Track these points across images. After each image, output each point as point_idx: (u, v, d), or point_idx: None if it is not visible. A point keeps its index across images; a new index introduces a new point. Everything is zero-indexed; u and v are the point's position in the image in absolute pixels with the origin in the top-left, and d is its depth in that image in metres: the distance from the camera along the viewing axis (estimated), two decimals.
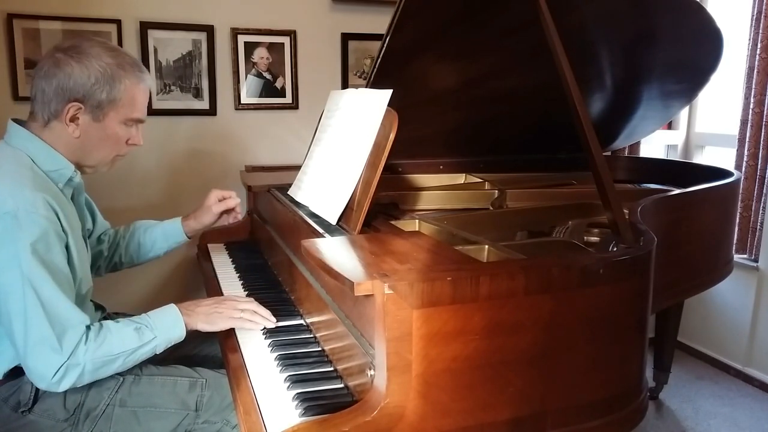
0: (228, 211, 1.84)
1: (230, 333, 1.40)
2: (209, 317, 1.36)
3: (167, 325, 1.30)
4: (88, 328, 1.21)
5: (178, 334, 1.31)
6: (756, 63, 2.58)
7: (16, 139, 1.31)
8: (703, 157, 3.18)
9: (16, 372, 1.27)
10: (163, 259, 1.70)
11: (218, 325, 1.37)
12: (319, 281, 1.35)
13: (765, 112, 2.58)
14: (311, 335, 1.39)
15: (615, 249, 1.31)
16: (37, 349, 1.16)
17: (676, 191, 1.97)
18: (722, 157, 3.03)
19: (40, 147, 1.30)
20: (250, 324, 1.39)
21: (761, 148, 2.60)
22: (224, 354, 1.35)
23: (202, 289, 1.91)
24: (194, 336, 1.45)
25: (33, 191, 1.19)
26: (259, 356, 1.30)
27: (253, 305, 1.42)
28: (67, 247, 1.26)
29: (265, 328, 1.41)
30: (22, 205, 1.17)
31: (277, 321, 1.45)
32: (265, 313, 1.42)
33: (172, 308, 1.34)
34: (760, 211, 2.64)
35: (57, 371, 1.16)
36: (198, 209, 1.81)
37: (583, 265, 1.12)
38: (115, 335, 1.23)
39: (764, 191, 2.62)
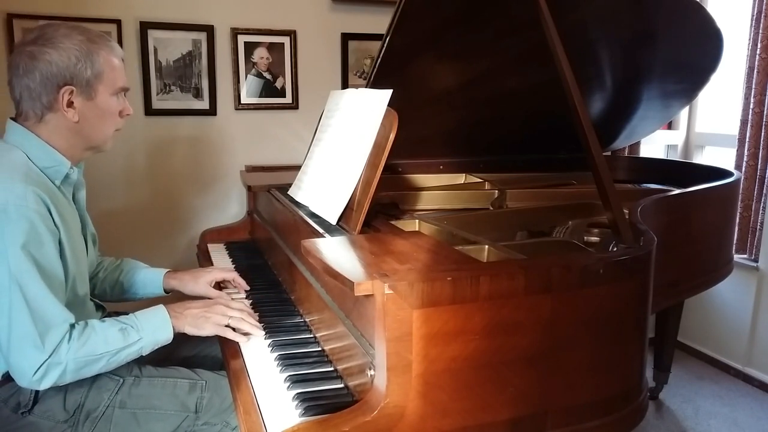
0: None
1: None
2: (196, 321, 1.34)
3: (154, 327, 1.28)
4: (72, 326, 1.20)
5: (166, 336, 1.30)
6: (756, 63, 2.58)
7: (12, 136, 1.29)
8: (703, 157, 3.18)
9: None
10: (162, 259, 1.69)
11: (205, 331, 1.34)
12: (319, 281, 1.34)
13: (765, 112, 2.58)
14: (311, 335, 1.39)
15: (615, 249, 1.31)
16: (19, 346, 1.15)
17: (676, 191, 1.97)
18: (722, 157, 3.03)
19: (35, 143, 1.28)
20: (232, 334, 1.35)
21: (761, 148, 2.60)
22: (224, 354, 1.35)
23: None
24: (193, 337, 1.45)
25: (24, 185, 1.18)
26: (259, 356, 1.30)
27: (244, 314, 1.38)
28: (60, 243, 1.24)
29: (263, 328, 1.40)
30: (12, 198, 1.15)
31: (277, 321, 1.45)
32: (253, 321, 1.38)
33: (160, 309, 1.32)
34: (760, 211, 2.64)
35: (38, 369, 1.15)
36: (187, 273, 1.65)
37: (583, 265, 1.11)
38: (99, 335, 1.21)
39: (764, 191, 2.62)
